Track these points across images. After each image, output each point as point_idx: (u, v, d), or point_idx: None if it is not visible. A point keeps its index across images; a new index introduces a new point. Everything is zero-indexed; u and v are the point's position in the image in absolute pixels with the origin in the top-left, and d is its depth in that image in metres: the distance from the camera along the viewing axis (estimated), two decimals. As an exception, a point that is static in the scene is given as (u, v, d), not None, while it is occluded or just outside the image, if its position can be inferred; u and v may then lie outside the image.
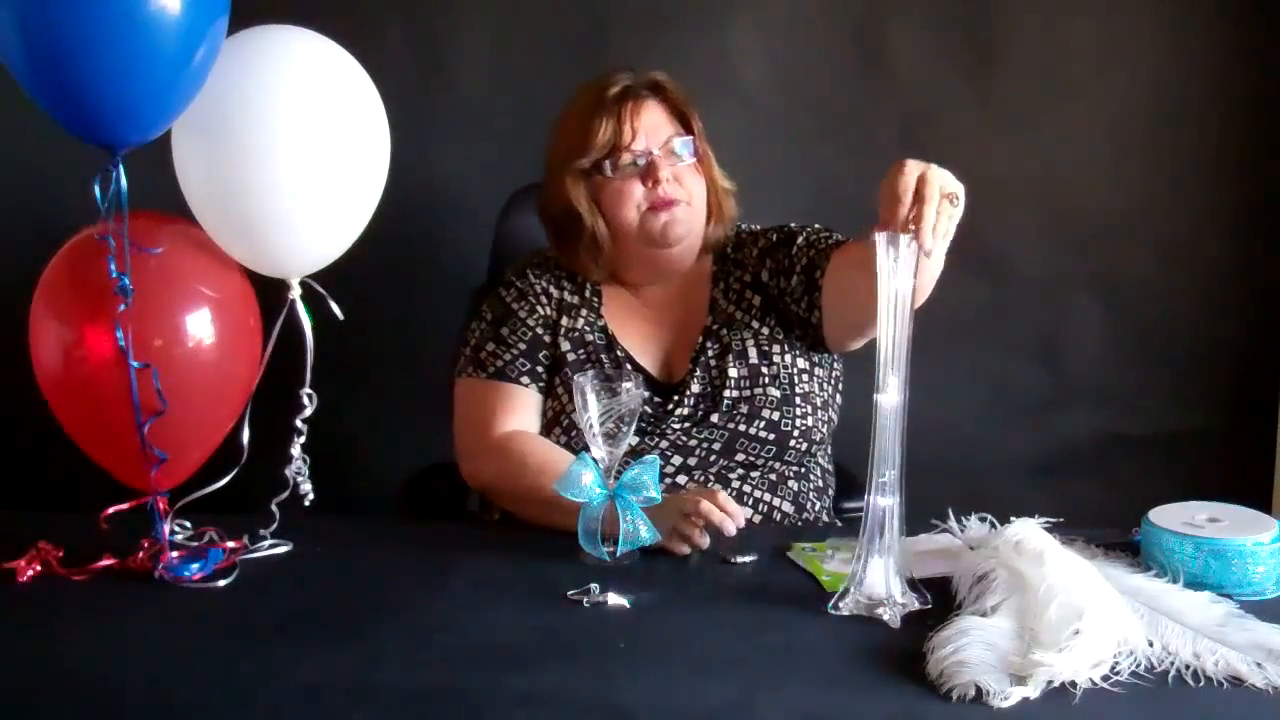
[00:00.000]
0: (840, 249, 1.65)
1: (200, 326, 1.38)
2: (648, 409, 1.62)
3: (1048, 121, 2.31)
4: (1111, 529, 1.41)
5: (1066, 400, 2.38)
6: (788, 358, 1.68)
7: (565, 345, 1.69)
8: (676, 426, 1.64)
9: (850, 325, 1.63)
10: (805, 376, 1.68)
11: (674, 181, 1.66)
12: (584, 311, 1.72)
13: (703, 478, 1.62)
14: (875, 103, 2.31)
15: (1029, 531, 1.28)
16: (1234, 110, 2.28)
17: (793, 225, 1.74)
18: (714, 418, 1.63)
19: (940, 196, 1.25)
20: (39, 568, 1.37)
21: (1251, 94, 2.27)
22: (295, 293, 1.42)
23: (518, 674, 1.12)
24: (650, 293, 1.74)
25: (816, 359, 1.70)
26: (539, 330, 1.69)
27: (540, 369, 1.68)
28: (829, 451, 1.74)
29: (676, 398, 1.65)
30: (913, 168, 1.25)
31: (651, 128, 1.66)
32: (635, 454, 1.60)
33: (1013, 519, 1.31)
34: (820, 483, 1.71)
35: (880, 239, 1.22)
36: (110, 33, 1.21)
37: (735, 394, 1.65)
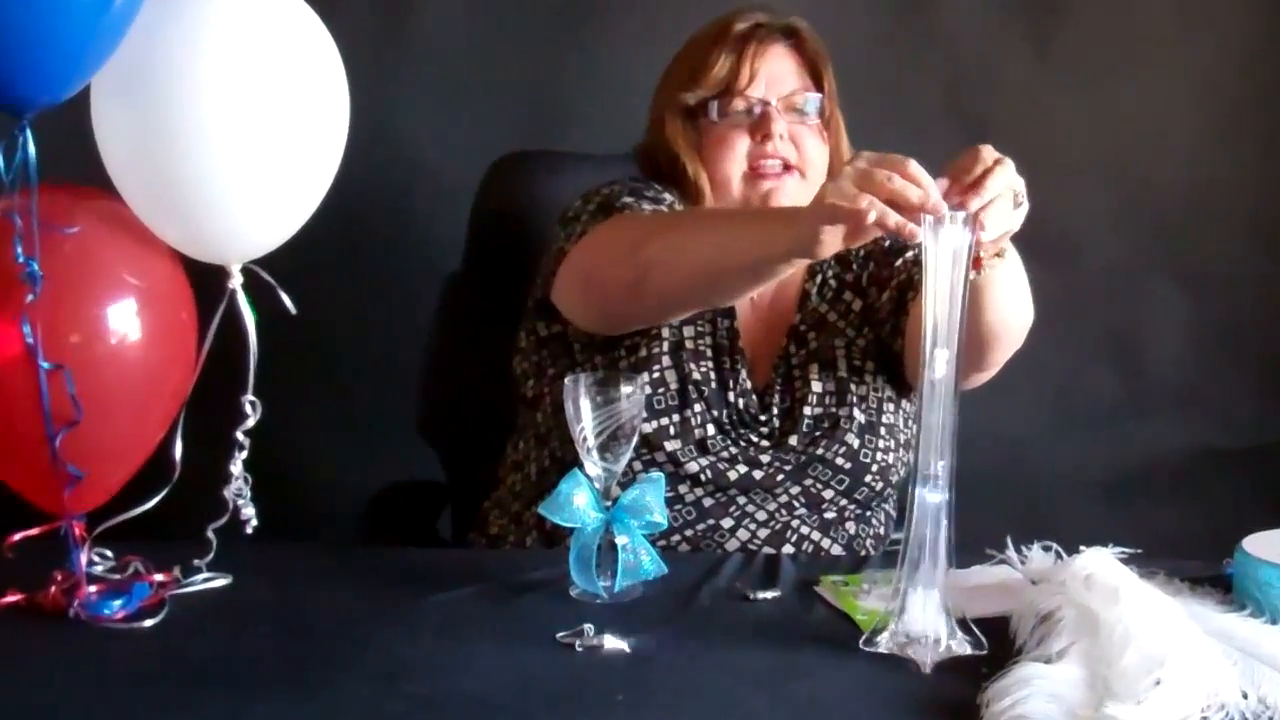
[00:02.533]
0: None
1: (124, 321, 1.37)
2: (740, 404, 1.62)
3: (1122, 84, 2.30)
4: (1198, 560, 1.41)
5: (1144, 407, 2.38)
6: (878, 380, 1.68)
7: (687, 330, 1.65)
8: (752, 436, 1.63)
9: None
10: (891, 406, 1.68)
11: (788, 142, 1.65)
12: None
13: (754, 508, 1.61)
14: (919, 63, 2.31)
15: (1102, 563, 1.27)
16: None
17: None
18: (793, 440, 1.63)
19: (1007, 185, 1.25)
20: (-69, 604, 1.36)
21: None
22: (236, 282, 1.41)
23: (497, 731, 1.12)
24: None
25: (905, 388, 1.70)
26: None
27: None
28: (895, 499, 1.74)
29: (763, 416, 1.64)
30: (991, 150, 1.27)
31: (775, 75, 1.66)
32: (704, 449, 1.59)
33: (1082, 548, 1.31)
34: (882, 530, 1.71)
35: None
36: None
37: (818, 411, 1.64)
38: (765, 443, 1.63)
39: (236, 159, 1.35)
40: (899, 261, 1.70)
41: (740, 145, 1.65)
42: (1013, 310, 1.47)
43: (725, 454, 1.61)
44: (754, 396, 1.65)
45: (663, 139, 1.69)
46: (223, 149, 1.34)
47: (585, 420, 1.39)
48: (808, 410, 1.64)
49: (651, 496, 1.40)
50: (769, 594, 1.39)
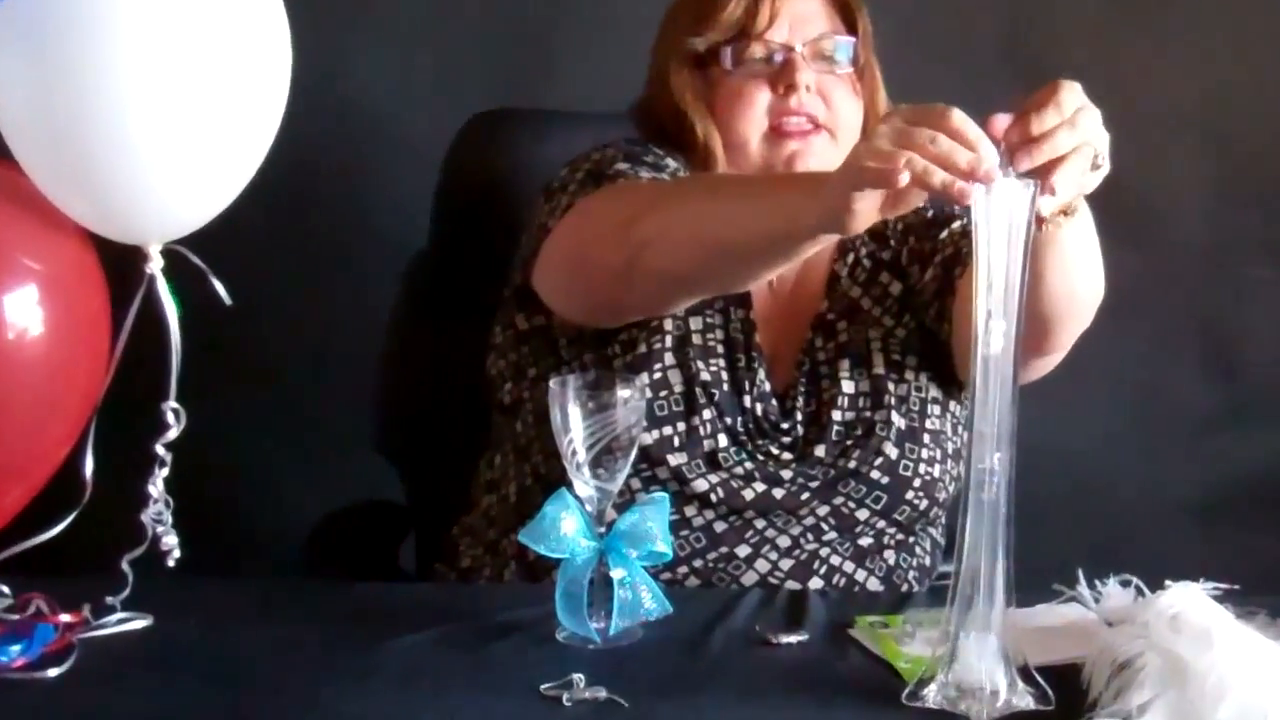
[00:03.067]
0: None
1: (22, 312, 1.37)
2: (758, 410, 1.63)
3: (1217, 31, 2.29)
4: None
5: (1241, 416, 2.38)
6: (922, 378, 1.68)
7: (694, 322, 1.65)
8: (772, 448, 1.64)
9: None
10: (936, 409, 1.68)
11: (816, 95, 1.65)
12: None
13: (775, 532, 1.62)
14: (970, 1, 2.31)
15: (1190, 601, 1.27)
16: None
17: (955, 209, 1.71)
18: (819, 450, 1.63)
19: (1086, 140, 1.24)
20: None
21: None
22: (156, 266, 1.41)
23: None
24: None
25: (953, 388, 1.70)
26: None
27: None
28: (943, 523, 1.74)
29: (785, 425, 1.65)
30: (1076, 90, 1.24)
31: (800, 16, 1.66)
32: (715, 463, 1.60)
33: (1168, 583, 1.30)
34: (927, 560, 1.71)
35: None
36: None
37: (849, 416, 1.64)
38: (787, 455, 1.64)
39: (156, 118, 1.34)
40: (944, 234, 1.70)
41: (759, 99, 1.65)
42: (1080, 278, 1.46)
43: (740, 469, 1.61)
44: (774, 400, 1.65)
45: (666, 94, 1.69)
46: (140, 106, 1.33)
47: (574, 430, 1.39)
48: (837, 415, 1.64)
49: (653, 521, 1.40)
50: (794, 638, 1.39)
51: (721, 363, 1.65)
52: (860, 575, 1.64)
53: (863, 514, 1.63)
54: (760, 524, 1.62)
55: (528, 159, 1.93)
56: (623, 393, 1.39)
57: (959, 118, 1.22)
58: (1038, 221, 1.26)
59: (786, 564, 1.62)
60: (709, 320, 1.66)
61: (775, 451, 1.63)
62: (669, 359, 1.63)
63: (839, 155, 1.56)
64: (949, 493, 1.67)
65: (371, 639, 1.38)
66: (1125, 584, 1.39)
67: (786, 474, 1.62)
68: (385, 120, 2.32)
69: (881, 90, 1.72)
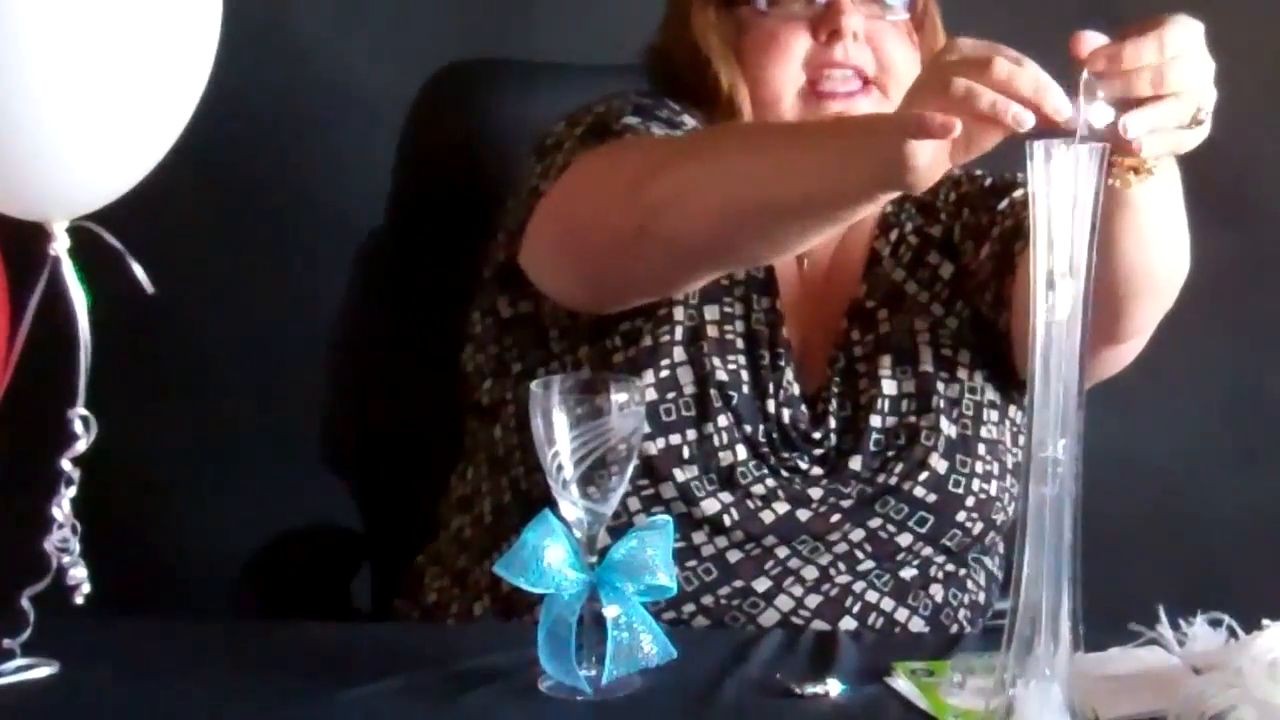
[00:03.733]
0: None
1: (-96, 302, 1.37)
2: (785, 417, 1.63)
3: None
4: None
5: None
6: (977, 377, 1.69)
7: (709, 311, 1.66)
8: (800, 461, 1.64)
9: None
10: (993, 415, 1.69)
11: (864, 44, 1.66)
12: None
13: (808, 551, 1.62)
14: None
15: (1293, 644, 1.28)
16: None
17: (1018, 176, 1.70)
18: (853, 462, 1.64)
19: (1188, 88, 1.24)
20: None
21: None
22: (61, 246, 1.41)
23: None
24: None
25: (1012, 391, 1.70)
26: None
27: None
28: (1000, 552, 1.74)
29: (817, 435, 1.66)
30: (1193, 31, 1.24)
31: None
32: (730, 480, 1.60)
33: (1266, 622, 1.31)
34: (981, 597, 1.72)
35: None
36: None
37: (890, 422, 1.65)
38: (816, 470, 1.64)
39: (62, 70, 1.34)
40: (1003, 203, 1.70)
41: (797, 46, 1.66)
42: (1161, 249, 1.46)
43: (759, 488, 1.62)
44: (803, 406, 1.66)
45: (686, 35, 1.70)
46: (42, 55, 1.33)
47: (559, 442, 1.39)
48: (876, 421, 1.65)
49: (654, 549, 1.40)
50: (821, 688, 1.39)
51: (741, 359, 1.65)
52: (901, 615, 1.65)
53: (905, 539, 1.63)
54: (783, 553, 1.62)
55: (507, 120, 1.93)
56: (618, 396, 1.40)
57: (1022, 59, 1.24)
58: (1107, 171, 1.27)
59: (814, 600, 1.62)
60: (727, 310, 1.66)
61: (804, 466, 1.64)
62: (679, 354, 1.63)
63: (888, 110, 1.58)
64: (1007, 515, 1.68)
65: (320, 690, 1.38)
66: (1215, 623, 1.39)
67: (815, 492, 1.63)
68: (335, 73, 2.32)
69: (941, 36, 1.73)
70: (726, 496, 1.60)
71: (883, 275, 1.72)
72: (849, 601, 1.63)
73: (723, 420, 1.62)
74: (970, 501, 1.64)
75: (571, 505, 1.40)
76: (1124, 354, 1.60)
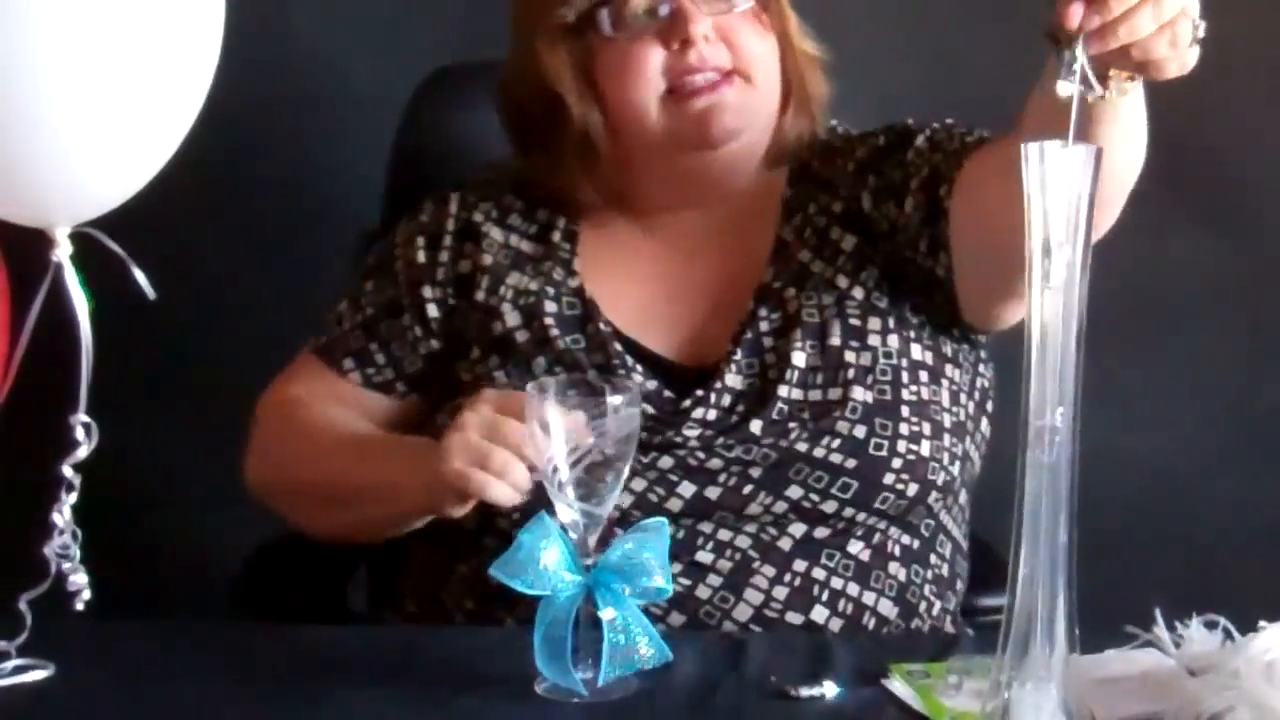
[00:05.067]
0: (982, 149, 1.66)
1: (-97, 306, 1.37)
2: (649, 407, 1.64)
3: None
4: None
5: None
6: (893, 340, 1.69)
7: (511, 319, 1.71)
8: (692, 436, 1.64)
9: (1003, 271, 1.62)
10: (924, 375, 1.69)
11: (717, 41, 1.67)
12: (547, 265, 1.75)
13: (730, 533, 1.62)
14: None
15: (1289, 645, 1.27)
16: None
17: (910, 122, 1.75)
18: (754, 426, 1.63)
19: (1183, 11, 1.28)
20: None
21: None
22: (63, 252, 1.41)
23: None
24: (676, 227, 1.77)
25: (949, 349, 1.72)
26: (427, 295, 1.75)
27: (399, 360, 1.78)
28: (964, 516, 1.74)
29: (701, 392, 1.66)
30: None
31: None
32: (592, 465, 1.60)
33: (1262, 624, 1.31)
34: (946, 570, 1.72)
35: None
36: None
37: (797, 394, 1.65)
38: (711, 433, 1.64)
39: (64, 77, 1.34)
40: (909, 154, 1.71)
41: (652, 61, 1.68)
42: (1128, 159, 1.47)
43: (652, 473, 1.63)
44: (666, 389, 1.67)
45: (535, 73, 1.72)
46: (45, 60, 1.33)
47: (556, 443, 1.39)
48: (783, 391, 1.65)
49: (650, 551, 1.40)
50: (817, 690, 1.39)
51: (576, 358, 1.69)
52: (869, 598, 1.64)
53: (830, 505, 1.63)
54: (707, 528, 1.62)
55: (496, 122, 1.92)
56: (614, 399, 1.40)
57: (513, 427, 1.46)
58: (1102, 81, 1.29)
59: (781, 592, 1.62)
60: (550, 321, 1.71)
61: (693, 435, 1.64)
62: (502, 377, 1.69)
63: (759, 99, 1.69)
64: (952, 474, 1.68)
65: (315, 693, 1.39)
66: (1211, 626, 1.39)
67: (715, 463, 1.63)
68: (333, 75, 2.31)
69: (793, 17, 1.75)
70: (625, 497, 1.60)
71: (789, 257, 1.73)
72: (817, 591, 1.62)
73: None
74: (896, 463, 1.64)
75: (567, 508, 1.40)
76: None
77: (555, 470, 1.40)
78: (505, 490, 1.48)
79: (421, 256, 1.77)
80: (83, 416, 1.43)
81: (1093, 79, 1.26)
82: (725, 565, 1.61)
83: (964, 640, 1.56)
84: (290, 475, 1.74)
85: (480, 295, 1.74)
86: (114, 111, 1.37)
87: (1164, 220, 2.02)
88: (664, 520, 1.45)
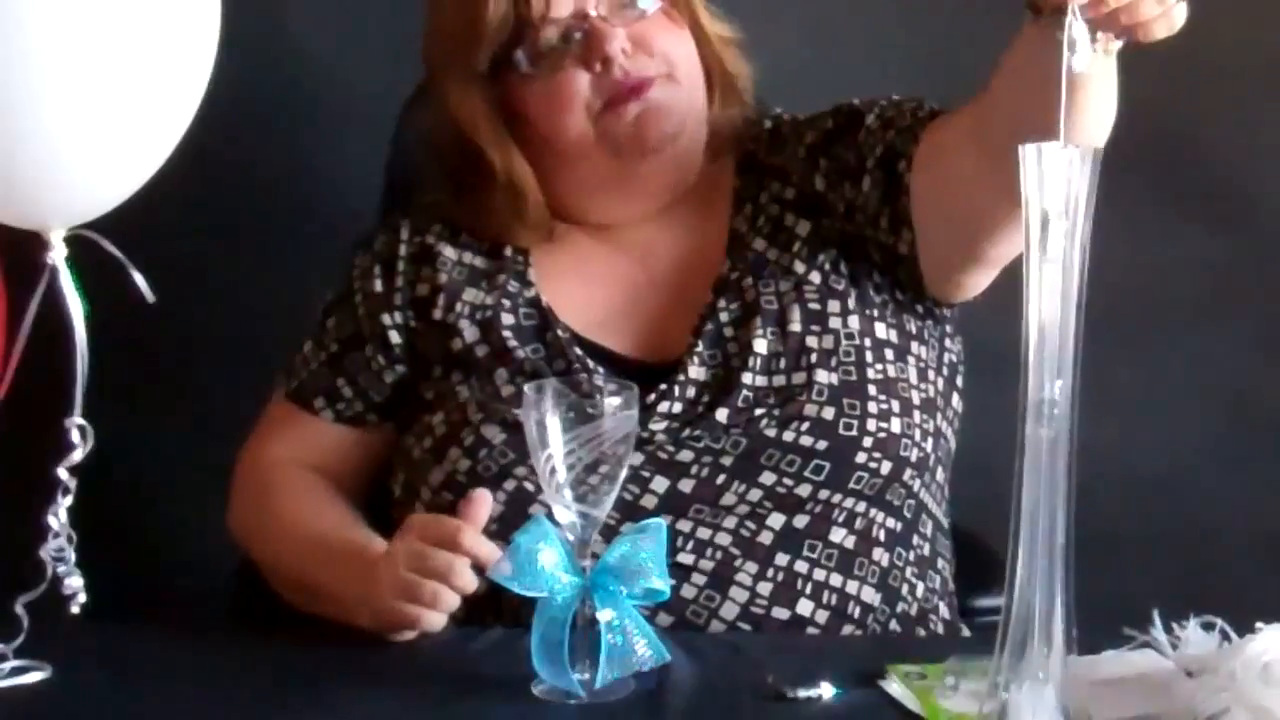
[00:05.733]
0: (938, 121, 1.67)
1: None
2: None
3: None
4: None
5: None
6: (854, 321, 1.69)
7: (469, 334, 1.72)
8: (659, 430, 1.65)
9: (968, 238, 1.63)
10: (889, 353, 1.69)
11: (635, 51, 1.68)
12: (502, 278, 1.75)
13: (709, 530, 1.61)
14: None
15: (1286, 646, 1.27)
16: None
17: (856, 102, 1.76)
18: (720, 415, 1.64)
19: None
20: None
21: None
22: (58, 255, 1.41)
23: None
24: (629, 229, 1.78)
25: (914, 325, 1.72)
26: (387, 322, 1.76)
27: (366, 392, 1.78)
28: (943, 494, 1.74)
29: (664, 386, 1.67)
30: None
31: None
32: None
33: (1260, 626, 1.30)
34: (927, 549, 1.71)
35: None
36: None
37: (761, 381, 1.65)
38: (677, 425, 1.64)
39: (60, 79, 1.34)
40: (860, 134, 1.71)
41: (578, 87, 1.68)
42: (1101, 118, 1.47)
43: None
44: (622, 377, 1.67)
45: (451, 124, 1.73)
46: (40, 64, 1.33)
47: (553, 445, 1.39)
48: (747, 378, 1.65)
49: (648, 552, 1.40)
50: (814, 691, 1.38)
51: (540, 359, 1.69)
52: (852, 587, 1.64)
53: (804, 489, 1.62)
54: (686, 526, 1.61)
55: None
56: (611, 400, 1.40)
57: (469, 536, 1.47)
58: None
59: (765, 588, 1.61)
60: (507, 330, 1.71)
61: (660, 430, 1.64)
62: (471, 425, 1.67)
63: (686, 95, 1.70)
64: (925, 450, 1.68)
65: (312, 695, 1.39)
66: (1209, 627, 1.38)
67: (685, 455, 1.63)
68: (330, 76, 2.31)
69: (701, 6, 1.75)
70: None
71: (744, 246, 1.74)
72: (799, 584, 1.62)
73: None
74: (868, 442, 1.64)
75: (564, 509, 1.40)
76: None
77: (553, 472, 1.39)
78: (438, 618, 1.49)
79: (379, 285, 1.78)
80: (78, 419, 1.42)
81: (1089, 47, 1.26)
82: (707, 565, 1.61)
83: (963, 641, 1.55)
84: (259, 550, 1.76)
85: (438, 314, 1.74)
86: (110, 113, 1.37)
87: (1163, 221, 2.03)
88: (661, 522, 1.45)
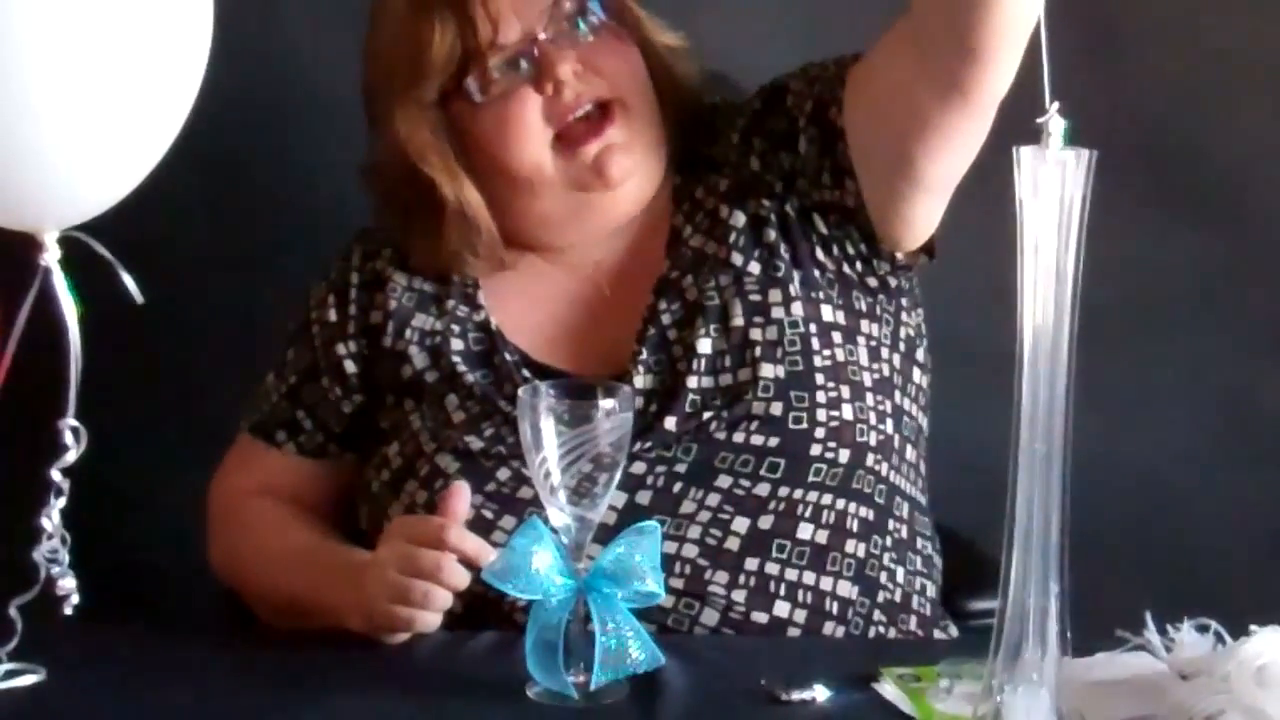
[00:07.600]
0: (859, 61, 1.67)
1: (-109, 311, 1.37)
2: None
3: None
4: None
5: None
6: (798, 308, 1.68)
7: (419, 360, 1.73)
8: None
9: (901, 155, 1.61)
10: (837, 336, 1.68)
11: (586, 74, 1.68)
12: (451, 303, 1.75)
13: (674, 543, 1.61)
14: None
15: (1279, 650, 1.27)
16: None
17: (780, 77, 1.75)
18: (669, 423, 1.64)
19: None
20: None
21: None
22: (52, 256, 1.40)
23: None
24: (579, 248, 1.76)
25: (863, 304, 1.70)
26: (342, 351, 1.77)
27: (325, 423, 1.78)
28: (918, 473, 1.73)
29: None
30: None
31: (519, 1, 1.67)
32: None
33: (1254, 628, 1.31)
34: (905, 531, 1.70)
35: None
36: None
37: (707, 382, 1.65)
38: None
39: (53, 80, 1.34)
40: (789, 101, 1.71)
41: (531, 113, 1.68)
42: None
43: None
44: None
45: (403, 160, 1.71)
46: (32, 63, 1.33)
47: (548, 448, 1.39)
48: (692, 382, 1.65)
49: (642, 555, 1.40)
50: (807, 694, 1.39)
51: (477, 388, 1.69)
52: (827, 583, 1.63)
53: (763, 489, 1.62)
54: (669, 539, 1.60)
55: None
56: (605, 403, 1.40)
57: (455, 532, 1.48)
58: None
59: (740, 594, 1.61)
60: (455, 351, 1.71)
61: None
62: (427, 441, 1.68)
63: (642, 121, 1.70)
64: (885, 432, 1.67)
65: (307, 698, 1.39)
66: (1203, 629, 1.39)
67: (639, 467, 1.62)
68: (324, 76, 2.29)
69: (643, 15, 1.76)
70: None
71: (683, 245, 1.73)
72: (773, 586, 1.61)
73: (502, 474, 1.64)
74: (820, 433, 1.64)
75: (559, 512, 1.40)
76: (975, 112, 1.56)
77: (548, 475, 1.39)
78: (432, 618, 1.50)
79: (332, 315, 1.78)
80: (71, 421, 1.42)
81: None
82: (678, 582, 1.60)
83: (955, 644, 1.55)
84: (245, 581, 1.75)
85: (388, 341, 1.74)
86: (103, 114, 1.37)
87: (1158, 221, 2.02)
88: (655, 524, 1.45)
